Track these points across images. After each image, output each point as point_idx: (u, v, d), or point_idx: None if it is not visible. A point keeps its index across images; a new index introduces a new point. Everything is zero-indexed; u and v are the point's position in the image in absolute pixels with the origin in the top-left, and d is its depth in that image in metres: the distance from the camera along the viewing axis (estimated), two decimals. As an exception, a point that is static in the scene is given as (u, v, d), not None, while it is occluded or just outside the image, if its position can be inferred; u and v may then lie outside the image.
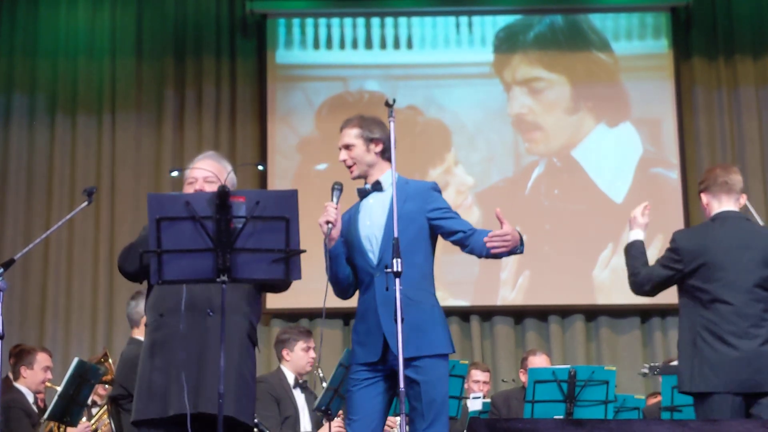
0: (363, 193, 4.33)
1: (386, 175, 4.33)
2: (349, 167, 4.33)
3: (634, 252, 4.86)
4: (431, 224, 4.27)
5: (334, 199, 4.18)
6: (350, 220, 4.28)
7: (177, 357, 3.86)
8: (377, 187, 4.31)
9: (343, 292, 4.33)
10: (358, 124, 4.34)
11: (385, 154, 4.33)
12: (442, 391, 4.13)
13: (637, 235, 4.89)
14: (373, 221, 4.26)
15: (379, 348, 4.14)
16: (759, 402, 4.55)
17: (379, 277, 4.17)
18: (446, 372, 4.22)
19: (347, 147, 4.32)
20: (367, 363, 4.17)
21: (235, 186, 4.13)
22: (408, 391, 4.16)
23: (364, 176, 4.34)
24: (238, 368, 3.94)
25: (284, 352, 6.26)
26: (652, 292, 4.82)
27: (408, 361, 4.03)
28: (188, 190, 4.10)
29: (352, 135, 4.32)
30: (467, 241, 4.23)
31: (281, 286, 4.12)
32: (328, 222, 4.10)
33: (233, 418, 3.85)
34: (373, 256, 4.22)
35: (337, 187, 4.21)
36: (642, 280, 4.79)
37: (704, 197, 4.83)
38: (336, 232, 4.13)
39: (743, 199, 4.82)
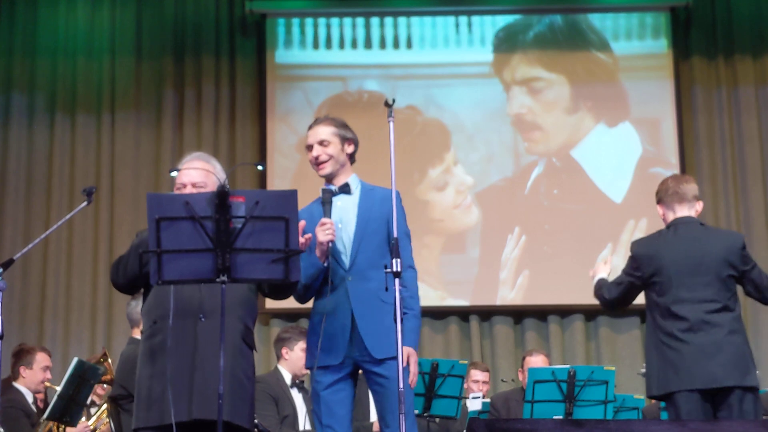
0: (329, 195, 4.28)
1: (353, 178, 4.36)
2: (321, 163, 4.29)
3: (600, 282, 5.13)
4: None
5: (332, 215, 4.19)
6: (315, 221, 4.21)
7: (173, 364, 3.85)
8: (345, 189, 4.32)
9: (305, 298, 4.30)
10: (332, 123, 4.33)
11: (352, 158, 4.36)
12: (408, 389, 4.14)
13: (601, 275, 5.17)
14: (345, 224, 4.26)
15: (342, 351, 4.16)
16: (723, 400, 4.63)
17: (352, 281, 4.19)
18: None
19: (322, 143, 4.29)
20: (328, 365, 4.18)
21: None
22: (375, 387, 4.19)
23: (333, 176, 4.32)
24: (232, 371, 3.92)
25: (283, 351, 6.27)
26: (619, 301, 5.03)
27: (379, 361, 4.11)
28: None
29: (328, 132, 4.31)
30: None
31: (283, 292, 4.10)
32: (330, 241, 4.10)
33: (228, 422, 3.85)
34: (346, 258, 4.23)
35: (329, 200, 4.22)
36: (609, 287, 5.02)
37: (660, 209, 5.01)
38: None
39: (699, 206, 4.95)
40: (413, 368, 4.17)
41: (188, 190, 4.05)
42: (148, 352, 3.97)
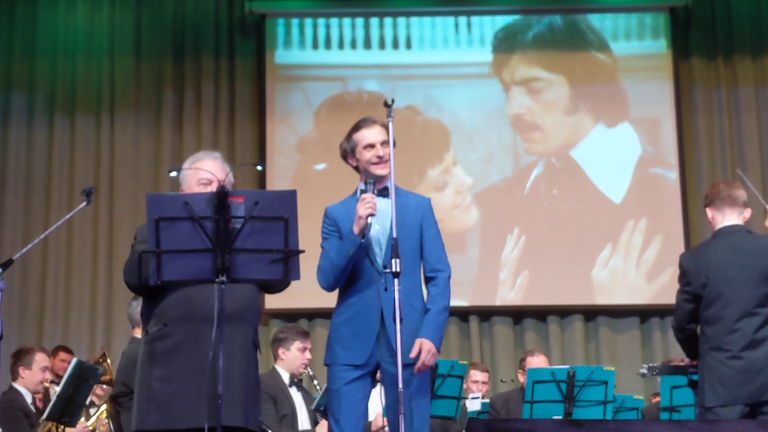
0: (373, 179, 4.27)
1: (389, 182, 4.35)
2: (386, 162, 4.27)
3: None
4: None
5: (372, 191, 4.21)
6: (351, 216, 4.23)
7: (187, 368, 3.85)
8: (384, 192, 4.31)
9: (333, 287, 4.29)
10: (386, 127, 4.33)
11: None
12: (426, 395, 4.20)
13: None
14: (383, 226, 4.26)
15: (367, 351, 4.17)
16: (760, 411, 4.61)
17: (384, 285, 4.19)
18: (429, 380, 4.30)
19: (384, 144, 4.30)
20: (351, 364, 4.20)
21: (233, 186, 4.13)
22: (394, 390, 4.18)
23: (383, 178, 4.32)
24: (246, 378, 3.95)
25: (280, 351, 6.27)
26: (684, 325, 4.90)
27: (403, 364, 4.09)
28: (199, 189, 4.06)
29: (386, 134, 4.29)
30: (430, 282, 4.30)
31: (278, 286, 4.11)
32: (370, 215, 4.11)
33: (245, 428, 3.89)
34: (381, 260, 4.24)
35: (371, 181, 4.22)
36: (674, 322, 4.93)
37: (709, 212, 4.97)
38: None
39: (748, 213, 4.91)
40: (423, 356, 4.11)
41: (214, 187, 4.03)
42: (157, 354, 3.93)
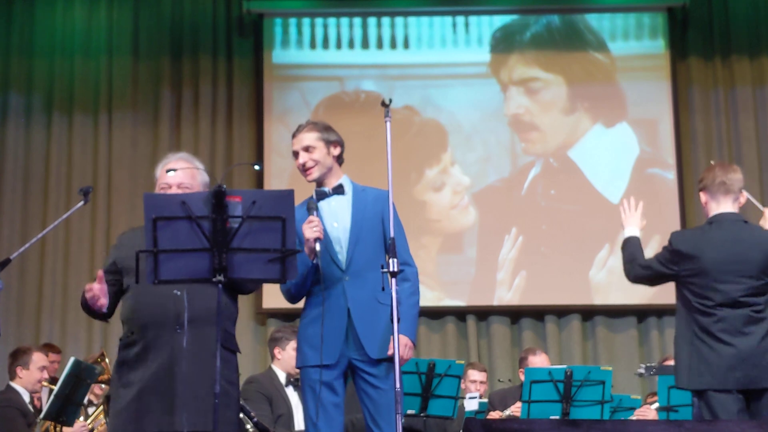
0: (322, 196, 4.33)
1: (344, 179, 4.40)
2: (308, 169, 4.33)
3: (633, 245, 4.95)
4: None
5: (326, 216, 4.24)
6: (300, 225, 4.22)
7: (145, 375, 3.89)
8: (339, 190, 4.35)
9: (297, 298, 4.32)
10: (315, 128, 4.37)
11: (339, 159, 4.40)
12: (393, 390, 4.17)
13: (633, 231, 4.99)
14: (340, 224, 4.29)
15: (337, 351, 4.18)
16: (758, 400, 4.58)
17: (349, 281, 4.21)
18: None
19: (307, 149, 4.33)
20: (323, 365, 4.19)
21: (207, 185, 4.14)
22: (366, 388, 4.20)
23: (322, 180, 4.35)
24: (212, 380, 3.90)
25: (276, 351, 6.28)
26: (647, 281, 4.91)
27: (374, 361, 4.16)
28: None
29: (312, 138, 4.34)
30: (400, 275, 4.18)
31: (247, 286, 4.12)
32: (317, 239, 4.11)
33: None
34: (343, 258, 4.26)
35: (313, 206, 4.23)
36: (642, 265, 4.85)
37: (703, 196, 4.87)
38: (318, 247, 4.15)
39: (743, 198, 4.83)
40: (401, 351, 4.06)
41: (173, 191, 4.05)
42: (125, 361, 3.99)
